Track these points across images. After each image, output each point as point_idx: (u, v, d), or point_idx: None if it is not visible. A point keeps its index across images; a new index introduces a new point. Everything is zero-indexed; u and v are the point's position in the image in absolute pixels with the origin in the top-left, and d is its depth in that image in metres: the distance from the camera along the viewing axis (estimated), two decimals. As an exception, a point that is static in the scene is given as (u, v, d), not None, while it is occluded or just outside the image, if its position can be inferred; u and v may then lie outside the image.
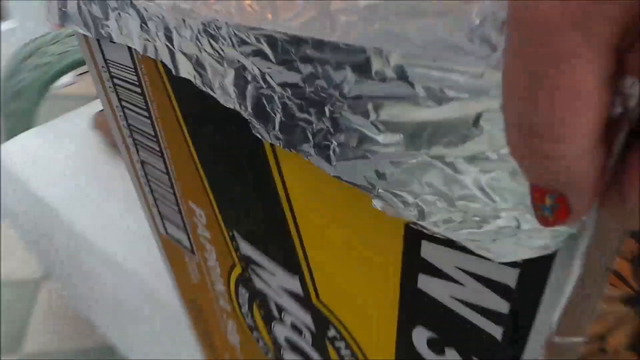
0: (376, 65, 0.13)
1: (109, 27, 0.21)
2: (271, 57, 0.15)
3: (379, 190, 0.14)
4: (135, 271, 0.49)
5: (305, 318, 0.24)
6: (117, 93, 0.27)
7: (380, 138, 0.14)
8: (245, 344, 0.33)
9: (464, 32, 0.11)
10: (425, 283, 0.16)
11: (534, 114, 0.09)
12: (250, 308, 0.29)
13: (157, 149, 0.27)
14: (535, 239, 0.12)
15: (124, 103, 0.27)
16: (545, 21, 0.08)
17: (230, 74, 0.17)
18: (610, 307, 0.28)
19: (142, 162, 0.30)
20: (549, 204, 0.11)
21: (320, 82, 0.15)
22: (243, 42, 0.16)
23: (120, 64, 0.25)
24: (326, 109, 0.15)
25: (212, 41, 0.17)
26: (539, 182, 0.10)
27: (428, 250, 0.15)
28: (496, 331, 0.15)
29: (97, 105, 0.73)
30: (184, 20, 0.18)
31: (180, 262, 0.35)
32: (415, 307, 0.17)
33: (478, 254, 0.13)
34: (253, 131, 0.18)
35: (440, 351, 0.17)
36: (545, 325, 0.14)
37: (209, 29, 0.17)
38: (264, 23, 0.15)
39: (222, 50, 0.17)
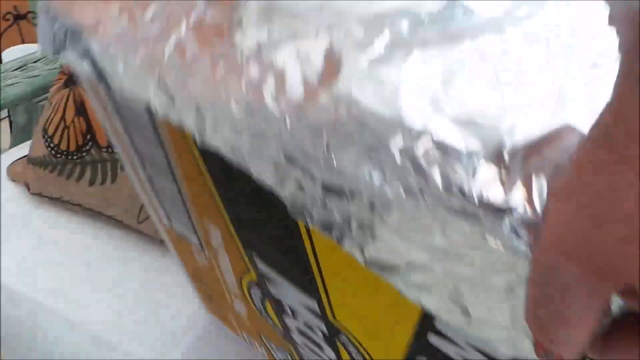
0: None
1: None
2: (315, 176, 0.17)
3: (405, 288, 0.18)
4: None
5: (319, 325, 0.28)
6: (121, 118, 0.27)
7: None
8: (253, 315, 0.38)
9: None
10: (435, 341, 0.20)
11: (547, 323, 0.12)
12: (263, 302, 0.33)
13: (170, 174, 0.28)
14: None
15: (131, 131, 0.28)
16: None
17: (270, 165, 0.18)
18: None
19: (149, 177, 0.31)
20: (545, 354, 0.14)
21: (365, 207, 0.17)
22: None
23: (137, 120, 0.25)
24: (366, 223, 0.17)
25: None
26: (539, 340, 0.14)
27: (442, 324, 0.19)
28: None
29: (8, 157, 0.69)
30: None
31: (186, 250, 0.38)
32: (423, 351, 0.21)
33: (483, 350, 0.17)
34: (289, 211, 0.19)
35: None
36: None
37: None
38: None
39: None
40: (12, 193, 0.66)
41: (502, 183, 0.14)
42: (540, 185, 0.13)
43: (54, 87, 0.63)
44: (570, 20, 0.16)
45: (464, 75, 0.15)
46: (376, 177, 0.15)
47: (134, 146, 0.29)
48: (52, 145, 0.61)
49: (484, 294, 0.16)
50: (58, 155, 0.60)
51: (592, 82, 0.15)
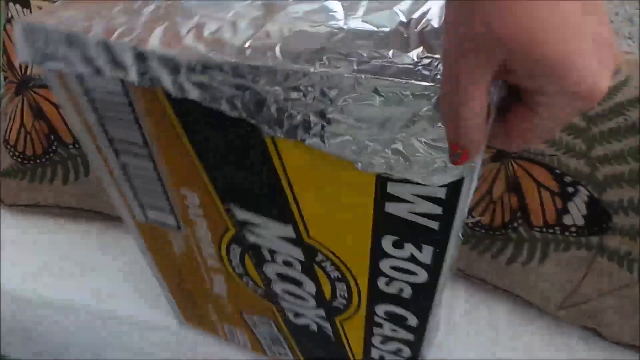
0: (358, 88, 0.22)
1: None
2: (280, 83, 0.23)
3: (361, 158, 0.24)
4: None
5: (296, 253, 0.33)
6: (95, 111, 0.32)
7: (361, 126, 0.23)
8: (233, 289, 0.42)
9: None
10: (390, 207, 0.26)
11: (453, 106, 0.19)
12: (242, 259, 0.37)
13: (146, 153, 0.33)
14: (454, 172, 0.23)
15: (105, 120, 0.32)
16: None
17: (238, 94, 0.25)
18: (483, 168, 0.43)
19: (123, 165, 0.35)
20: (459, 153, 0.21)
21: (320, 98, 0.23)
22: (254, 77, 0.23)
23: (105, 89, 0.30)
24: (322, 112, 0.23)
25: (223, 74, 0.24)
26: (454, 140, 0.21)
27: (393, 187, 0.25)
28: (434, 225, 0.26)
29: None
30: (199, 62, 0.24)
31: (161, 240, 0.41)
32: (384, 223, 0.27)
33: (423, 183, 0.24)
34: (260, 129, 0.25)
35: (401, 247, 0.28)
36: (461, 216, 0.25)
37: (223, 68, 0.24)
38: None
39: (234, 80, 0.24)
40: None
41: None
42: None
43: (4, 98, 0.64)
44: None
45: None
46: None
47: (108, 137, 0.33)
48: (17, 153, 0.61)
49: (412, 138, 0.22)
50: (25, 162, 0.61)
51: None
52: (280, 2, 0.26)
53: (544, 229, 0.51)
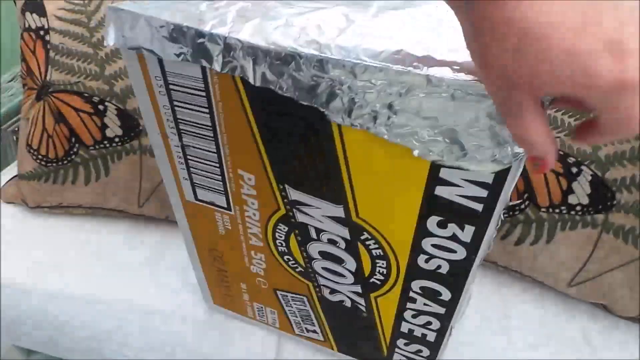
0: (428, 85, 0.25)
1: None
2: (357, 76, 0.27)
3: (419, 146, 0.28)
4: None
5: (342, 232, 0.37)
6: (169, 94, 0.35)
7: (425, 119, 0.27)
8: (271, 267, 0.45)
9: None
10: (440, 190, 0.30)
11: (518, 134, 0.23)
12: (287, 239, 0.41)
13: (211, 135, 0.36)
14: (505, 161, 0.27)
15: (177, 103, 0.35)
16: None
17: (316, 85, 0.28)
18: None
19: (184, 146, 0.38)
20: (537, 163, 0.25)
21: (389, 90, 0.27)
22: (336, 67, 0.27)
23: (184, 74, 0.33)
24: (390, 105, 0.27)
25: (306, 66, 0.28)
26: (530, 154, 0.24)
27: (445, 172, 0.29)
28: (479, 207, 0.30)
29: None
30: (284, 53, 0.28)
31: (207, 219, 0.44)
32: (432, 205, 0.31)
33: (475, 170, 0.28)
34: (330, 118, 0.29)
35: (444, 226, 0.32)
36: (505, 200, 0.29)
37: (308, 62, 0.27)
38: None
39: (314, 72, 0.27)
40: (13, 212, 0.69)
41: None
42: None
43: (26, 104, 0.66)
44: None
45: None
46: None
47: (176, 118, 0.36)
48: (40, 157, 0.64)
49: (470, 130, 0.26)
50: (48, 165, 0.64)
51: None
52: (360, 12, 0.30)
53: (551, 209, 0.54)
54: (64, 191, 0.66)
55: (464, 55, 0.25)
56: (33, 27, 0.64)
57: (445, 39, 0.27)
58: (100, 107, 0.62)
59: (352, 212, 0.35)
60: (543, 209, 0.55)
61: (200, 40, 0.29)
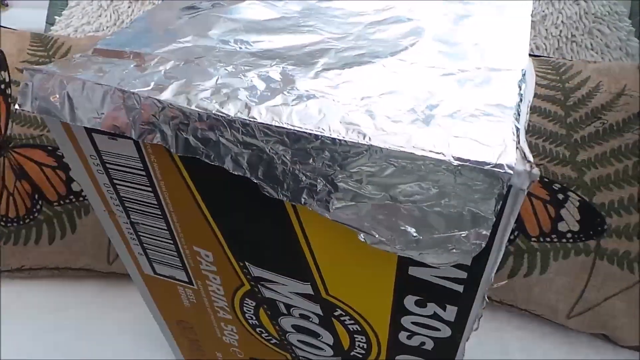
0: (369, 155, 0.22)
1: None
2: (289, 145, 0.23)
3: (364, 229, 0.24)
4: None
5: (313, 308, 0.33)
6: (107, 173, 0.31)
7: (369, 194, 0.23)
8: (245, 339, 0.41)
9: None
10: (414, 271, 0.26)
11: None
12: (256, 312, 0.37)
13: (159, 213, 0.32)
14: (475, 248, 0.23)
15: (117, 181, 0.31)
16: None
17: (246, 153, 0.24)
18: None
19: (133, 223, 0.34)
20: None
21: (327, 162, 0.23)
22: (266, 135, 0.23)
23: (119, 151, 0.29)
24: (330, 178, 0.23)
25: (233, 131, 0.24)
26: None
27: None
28: (459, 288, 0.26)
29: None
30: (207, 116, 0.24)
31: (170, 293, 0.40)
32: (406, 285, 0.28)
33: (435, 264, 0.24)
34: (262, 191, 0.25)
35: (424, 305, 0.28)
36: (487, 280, 0.25)
37: (234, 124, 0.23)
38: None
39: (242, 138, 0.23)
40: None
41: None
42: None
43: None
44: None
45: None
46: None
47: (120, 199, 0.33)
48: None
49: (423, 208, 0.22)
50: (9, 225, 0.59)
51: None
52: (299, 69, 0.26)
53: (541, 238, 0.52)
54: (26, 253, 0.61)
55: (408, 126, 0.22)
56: (-7, 81, 0.60)
57: (384, 105, 0.23)
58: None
59: (321, 290, 0.31)
60: (534, 239, 0.53)
61: (114, 100, 0.25)
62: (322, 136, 0.22)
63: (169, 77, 0.25)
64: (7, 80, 0.60)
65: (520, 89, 0.25)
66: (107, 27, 0.74)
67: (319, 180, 0.23)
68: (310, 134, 0.22)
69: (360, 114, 0.23)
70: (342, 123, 0.22)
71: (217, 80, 0.25)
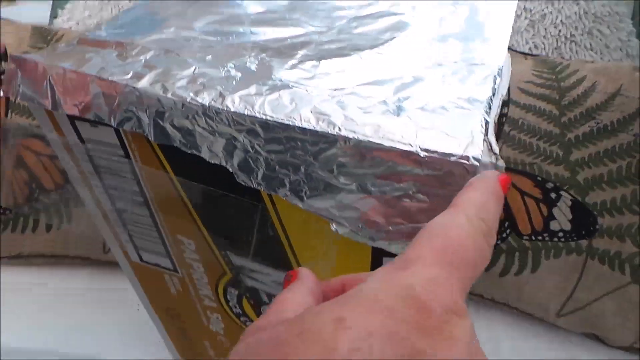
0: (339, 145, 0.22)
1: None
2: (261, 134, 0.23)
3: (336, 218, 0.24)
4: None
5: (293, 298, 0.34)
6: (92, 161, 0.32)
7: (340, 184, 0.23)
8: (230, 327, 0.42)
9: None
10: (388, 262, 0.27)
11: None
12: (239, 301, 0.37)
13: (142, 201, 0.33)
14: None
15: (101, 169, 0.32)
16: None
17: (221, 142, 0.24)
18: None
19: (119, 211, 0.35)
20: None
21: (299, 151, 0.23)
22: (238, 123, 0.23)
23: (101, 139, 0.30)
24: (302, 167, 0.23)
25: (207, 119, 0.24)
26: None
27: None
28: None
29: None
30: (182, 104, 0.24)
31: (156, 280, 0.41)
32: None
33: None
34: (237, 179, 0.25)
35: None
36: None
37: (208, 112, 0.24)
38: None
39: (216, 126, 0.24)
40: None
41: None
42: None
43: None
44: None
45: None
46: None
47: (104, 186, 0.33)
48: None
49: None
50: (7, 212, 0.60)
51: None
52: (277, 60, 0.27)
53: (533, 237, 0.52)
54: (24, 240, 0.62)
55: (378, 116, 0.22)
56: (-7, 71, 0.61)
57: (356, 96, 0.24)
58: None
59: (300, 279, 0.32)
60: (525, 237, 0.53)
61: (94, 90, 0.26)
62: (292, 125, 0.22)
63: (148, 66, 0.26)
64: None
65: (495, 84, 0.25)
66: (109, 20, 0.75)
67: (291, 170, 0.23)
68: (280, 123, 0.22)
69: (332, 105, 0.23)
70: (313, 113, 0.23)
71: (194, 70, 0.26)
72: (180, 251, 0.35)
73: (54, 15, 0.86)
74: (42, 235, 0.62)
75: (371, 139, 0.21)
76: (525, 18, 0.68)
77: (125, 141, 0.28)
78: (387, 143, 0.21)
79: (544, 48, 0.66)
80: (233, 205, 0.29)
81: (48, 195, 0.60)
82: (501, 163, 0.21)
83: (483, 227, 0.16)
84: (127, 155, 0.29)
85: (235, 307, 0.38)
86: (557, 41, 0.66)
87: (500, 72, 0.26)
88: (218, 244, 0.33)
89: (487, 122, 0.22)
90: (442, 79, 0.25)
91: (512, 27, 0.68)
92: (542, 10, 0.68)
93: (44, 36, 0.63)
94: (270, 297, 0.35)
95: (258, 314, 0.37)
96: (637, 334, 0.52)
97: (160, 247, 0.36)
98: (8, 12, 1.15)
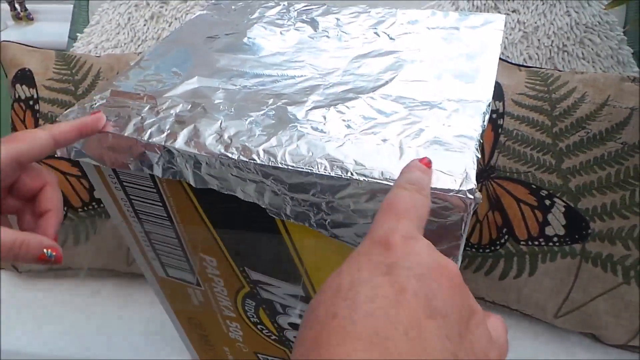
0: (352, 189, 0.26)
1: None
2: (285, 180, 0.27)
3: (357, 243, 0.28)
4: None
5: (305, 308, 0.37)
6: (124, 190, 0.36)
7: (356, 217, 0.27)
8: (248, 334, 0.46)
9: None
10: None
11: None
12: (257, 311, 0.41)
13: (169, 224, 0.37)
14: None
15: (134, 200, 0.36)
16: None
17: (252, 185, 0.29)
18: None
19: (147, 232, 0.39)
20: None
21: (319, 192, 0.27)
22: (265, 173, 0.28)
23: (134, 173, 0.34)
24: (322, 204, 0.27)
25: (238, 170, 0.28)
26: None
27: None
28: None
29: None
30: (214, 159, 0.28)
31: (181, 293, 0.45)
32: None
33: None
34: (270, 214, 0.29)
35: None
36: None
37: (238, 165, 0.28)
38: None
39: (247, 175, 0.28)
40: (3, 277, 0.70)
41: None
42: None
43: None
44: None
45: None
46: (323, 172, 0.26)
47: (135, 211, 0.37)
48: None
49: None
50: None
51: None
52: (291, 108, 0.31)
53: (529, 242, 0.55)
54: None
55: (384, 159, 0.26)
56: (23, 97, 0.66)
57: (364, 139, 0.28)
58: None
59: (310, 291, 0.35)
60: (522, 242, 0.56)
61: (139, 149, 0.30)
62: (311, 173, 0.26)
63: (179, 122, 0.30)
64: (35, 96, 0.65)
65: (484, 121, 0.28)
66: (125, 44, 0.79)
67: (314, 207, 0.28)
68: (301, 171, 0.26)
69: (343, 150, 0.27)
70: (327, 160, 0.27)
71: (220, 124, 0.30)
72: (203, 268, 0.39)
73: (72, 37, 0.91)
74: (70, 249, 0.66)
75: (379, 181, 0.25)
76: (519, 30, 0.71)
77: (156, 177, 0.32)
78: (392, 183, 0.25)
79: (538, 58, 0.69)
80: (250, 229, 0.33)
81: (76, 212, 0.64)
82: (478, 195, 0.25)
83: (414, 187, 0.21)
84: (156, 186, 0.33)
85: (253, 316, 0.42)
86: (550, 51, 0.69)
87: (488, 108, 0.30)
88: (237, 261, 0.36)
89: (477, 158, 0.26)
90: (438, 117, 0.29)
91: (507, 39, 0.71)
92: (535, 22, 0.71)
93: (67, 62, 0.67)
94: (285, 307, 0.39)
95: (273, 322, 0.41)
96: (631, 333, 0.55)
97: (185, 264, 0.40)
98: (28, 30, 1.21)
